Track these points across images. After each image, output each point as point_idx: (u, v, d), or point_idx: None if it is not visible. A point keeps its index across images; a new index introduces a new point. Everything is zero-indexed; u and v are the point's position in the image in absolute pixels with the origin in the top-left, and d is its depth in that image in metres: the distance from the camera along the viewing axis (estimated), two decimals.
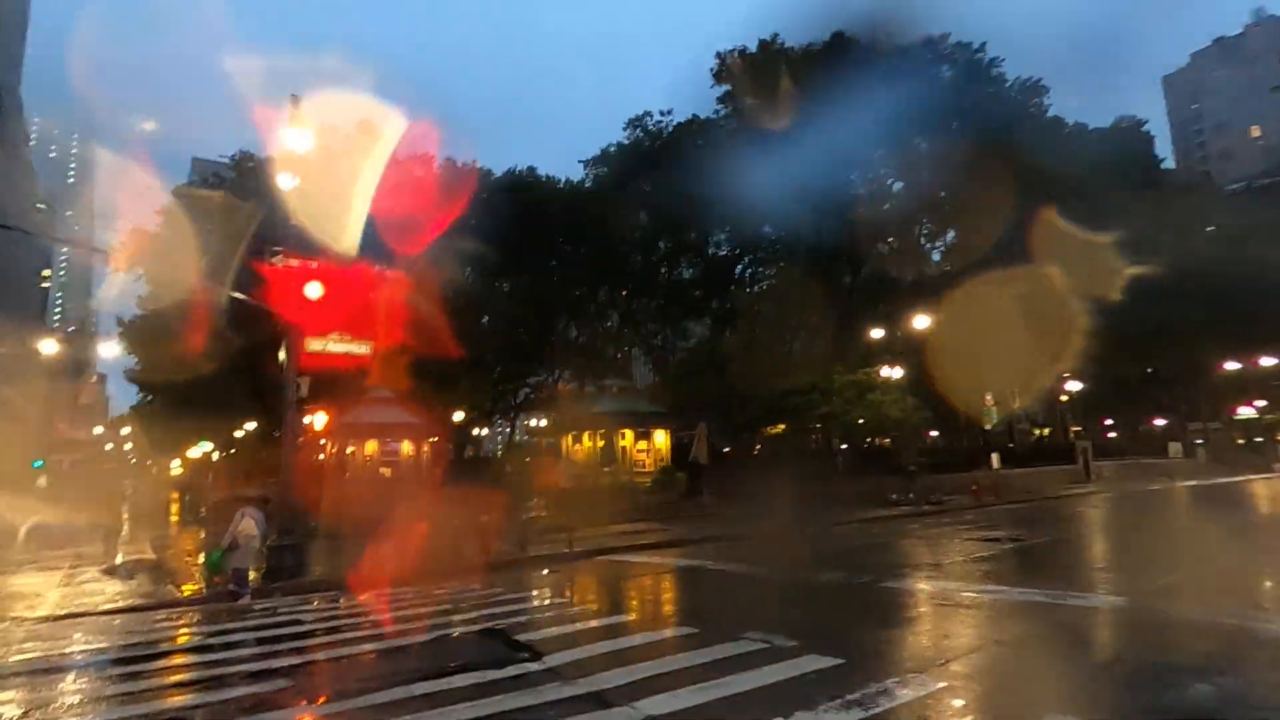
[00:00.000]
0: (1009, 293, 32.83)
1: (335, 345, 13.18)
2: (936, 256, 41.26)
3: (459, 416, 38.50)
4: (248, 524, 10.55)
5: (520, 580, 12.04)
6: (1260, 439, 56.04)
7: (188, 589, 11.80)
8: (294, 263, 12.81)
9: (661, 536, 16.89)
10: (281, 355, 13.24)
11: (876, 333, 28.65)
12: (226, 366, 39.37)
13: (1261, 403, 59.32)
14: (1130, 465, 42.16)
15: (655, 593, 10.84)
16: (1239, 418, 59.62)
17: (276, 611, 9.65)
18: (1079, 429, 43.34)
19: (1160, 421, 60.51)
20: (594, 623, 8.02)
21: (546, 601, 10.16)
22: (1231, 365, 48.62)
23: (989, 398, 26.44)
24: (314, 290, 12.84)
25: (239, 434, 41.90)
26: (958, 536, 15.25)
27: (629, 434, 27.13)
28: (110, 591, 11.92)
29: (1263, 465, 47.92)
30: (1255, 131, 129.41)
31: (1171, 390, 52.08)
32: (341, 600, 10.49)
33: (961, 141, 35.91)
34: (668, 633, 7.53)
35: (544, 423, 49.48)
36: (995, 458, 25.89)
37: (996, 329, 30.89)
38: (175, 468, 57.30)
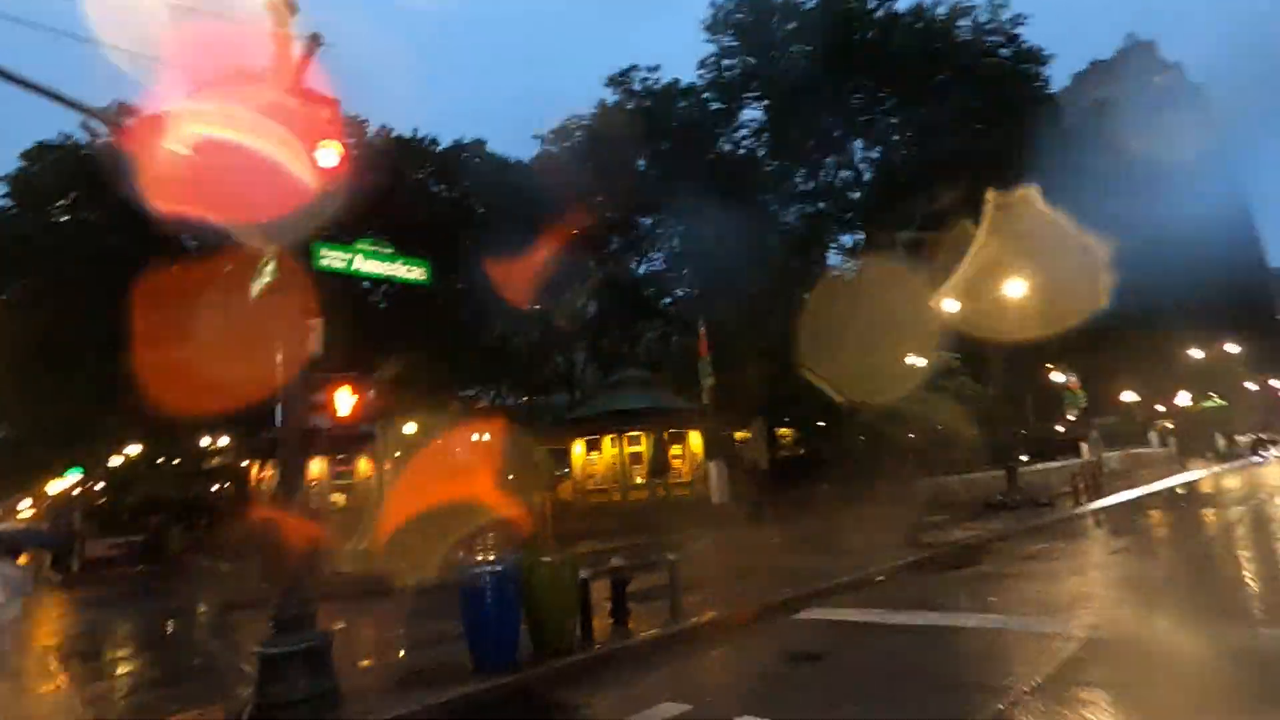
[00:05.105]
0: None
1: (369, 261, 7.15)
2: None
3: (411, 429, 31.47)
4: None
5: None
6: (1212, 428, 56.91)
7: None
8: (292, 101, 6.76)
9: (818, 569, 11.57)
10: (260, 283, 7.10)
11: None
12: (93, 385, 30.73)
13: (1186, 394, 60.91)
14: (1129, 456, 40.61)
15: None
16: (1184, 407, 60.73)
17: None
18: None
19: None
20: None
21: None
22: (1195, 353, 48.98)
23: (1073, 380, 22.86)
24: (329, 156, 6.83)
25: (117, 461, 32.88)
26: None
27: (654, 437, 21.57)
28: None
29: (1230, 454, 48.15)
30: None
31: (1139, 378, 51.76)
32: None
33: (963, 112, 32.69)
34: None
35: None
36: (1086, 448, 22.41)
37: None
38: (25, 509, 46.05)
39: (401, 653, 8.29)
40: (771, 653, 7.28)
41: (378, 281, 35.46)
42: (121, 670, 9.35)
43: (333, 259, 6.88)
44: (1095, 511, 18.39)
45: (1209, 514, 16.67)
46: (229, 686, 7.51)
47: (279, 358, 6.66)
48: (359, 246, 7.13)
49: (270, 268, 6.92)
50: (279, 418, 6.92)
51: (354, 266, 7.07)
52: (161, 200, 6.46)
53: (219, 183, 6.39)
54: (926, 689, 5.74)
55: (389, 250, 7.33)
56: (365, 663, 7.91)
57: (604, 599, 8.51)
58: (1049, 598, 8.78)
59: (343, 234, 7.36)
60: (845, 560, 12.31)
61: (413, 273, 7.53)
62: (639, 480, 21.03)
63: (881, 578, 10.86)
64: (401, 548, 17.25)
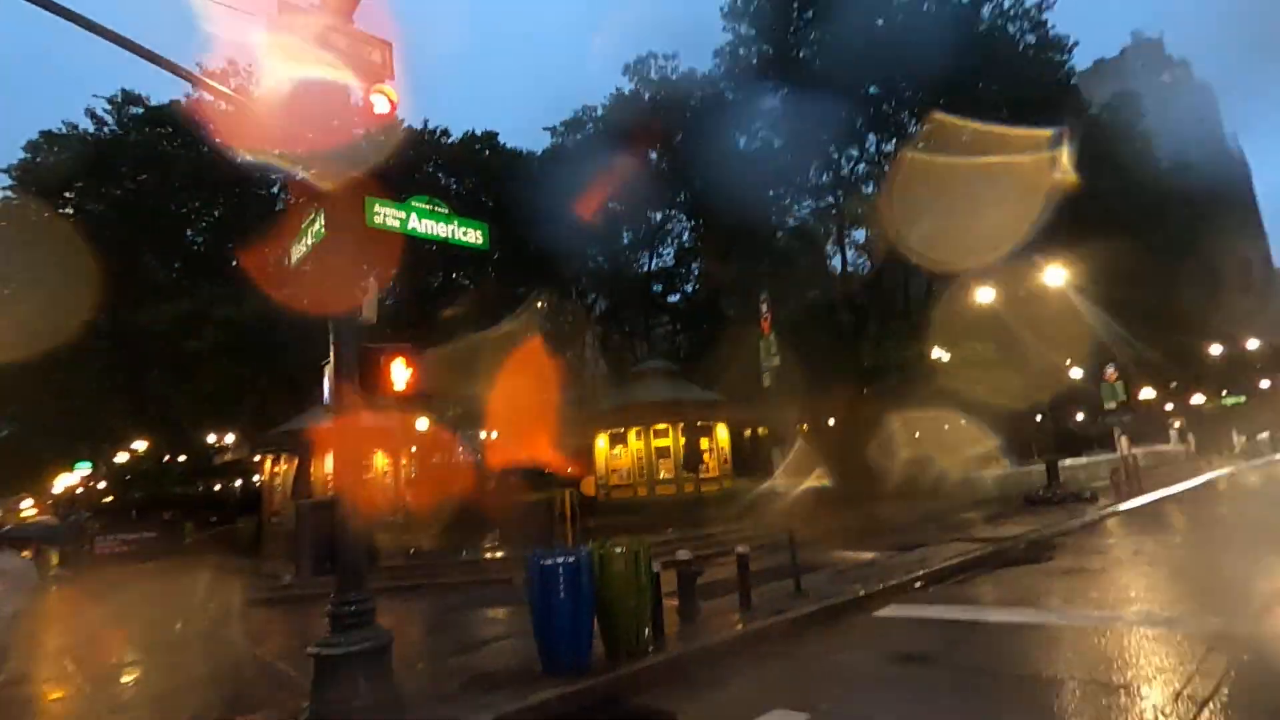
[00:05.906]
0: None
1: (425, 220, 6.44)
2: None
3: (423, 424, 30.75)
4: None
5: None
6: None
7: None
8: (342, 40, 6.09)
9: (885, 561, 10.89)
10: (302, 246, 6.42)
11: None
12: (94, 383, 29.94)
13: (1200, 394, 60.18)
14: (1150, 453, 39.99)
15: None
16: (1199, 405, 59.98)
17: None
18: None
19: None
20: None
21: None
22: (1215, 349, 48.25)
23: (1111, 371, 22.14)
24: (381, 102, 6.16)
25: (123, 458, 32.16)
26: None
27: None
28: None
29: (1252, 451, 47.45)
30: None
31: (1164, 375, 51.05)
32: None
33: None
34: None
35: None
36: (1125, 441, 21.71)
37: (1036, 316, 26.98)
38: (27, 507, 45.23)
39: (457, 651, 7.60)
40: (869, 654, 6.59)
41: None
42: (147, 674, 8.66)
43: (388, 216, 6.19)
44: (1143, 506, 17.71)
45: (1262, 508, 16.01)
46: (270, 690, 6.84)
47: (330, 327, 5.99)
48: (413, 205, 6.44)
49: (317, 227, 6.24)
50: (326, 394, 6.25)
51: (410, 226, 6.35)
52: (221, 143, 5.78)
53: (272, 123, 5.72)
54: (1084, 693, 5.04)
55: (444, 210, 6.64)
56: (420, 663, 7.23)
57: (665, 594, 7.82)
58: (1152, 594, 8.12)
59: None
60: (905, 555, 11.63)
61: (469, 235, 6.84)
62: (664, 475, 20.32)
63: (951, 573, 10.18)
64: (422, 543, 16.65)
